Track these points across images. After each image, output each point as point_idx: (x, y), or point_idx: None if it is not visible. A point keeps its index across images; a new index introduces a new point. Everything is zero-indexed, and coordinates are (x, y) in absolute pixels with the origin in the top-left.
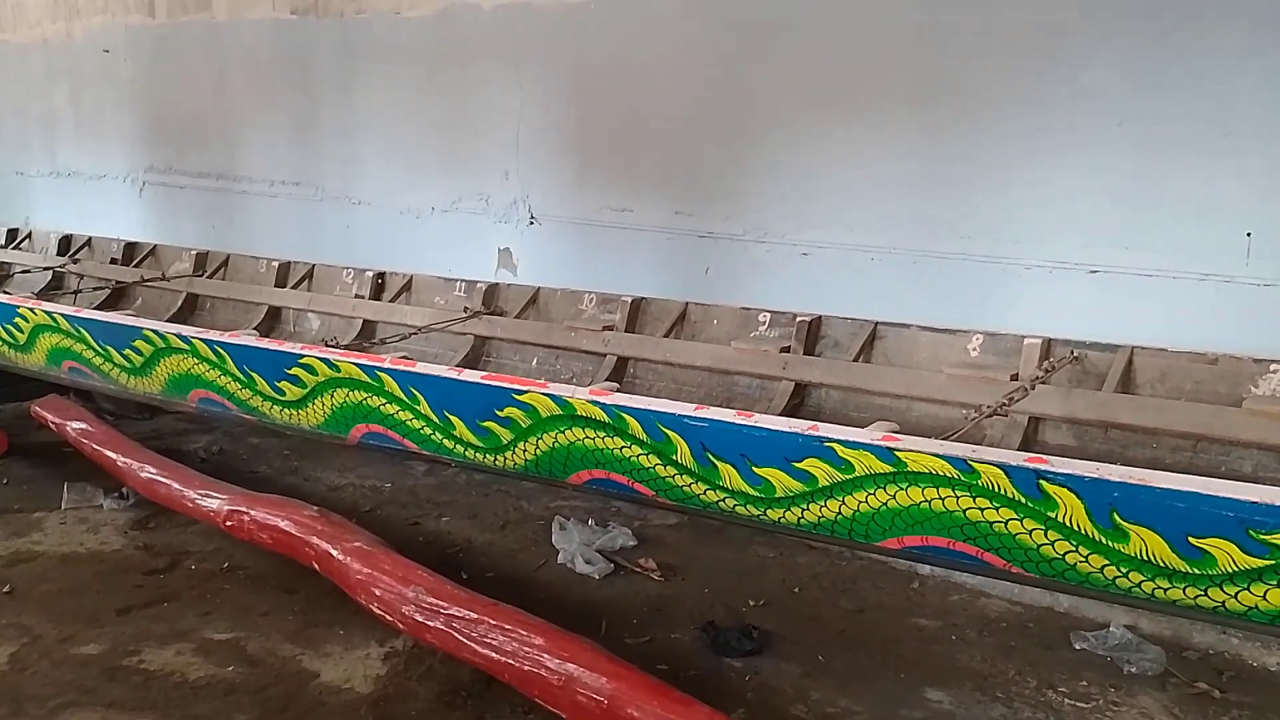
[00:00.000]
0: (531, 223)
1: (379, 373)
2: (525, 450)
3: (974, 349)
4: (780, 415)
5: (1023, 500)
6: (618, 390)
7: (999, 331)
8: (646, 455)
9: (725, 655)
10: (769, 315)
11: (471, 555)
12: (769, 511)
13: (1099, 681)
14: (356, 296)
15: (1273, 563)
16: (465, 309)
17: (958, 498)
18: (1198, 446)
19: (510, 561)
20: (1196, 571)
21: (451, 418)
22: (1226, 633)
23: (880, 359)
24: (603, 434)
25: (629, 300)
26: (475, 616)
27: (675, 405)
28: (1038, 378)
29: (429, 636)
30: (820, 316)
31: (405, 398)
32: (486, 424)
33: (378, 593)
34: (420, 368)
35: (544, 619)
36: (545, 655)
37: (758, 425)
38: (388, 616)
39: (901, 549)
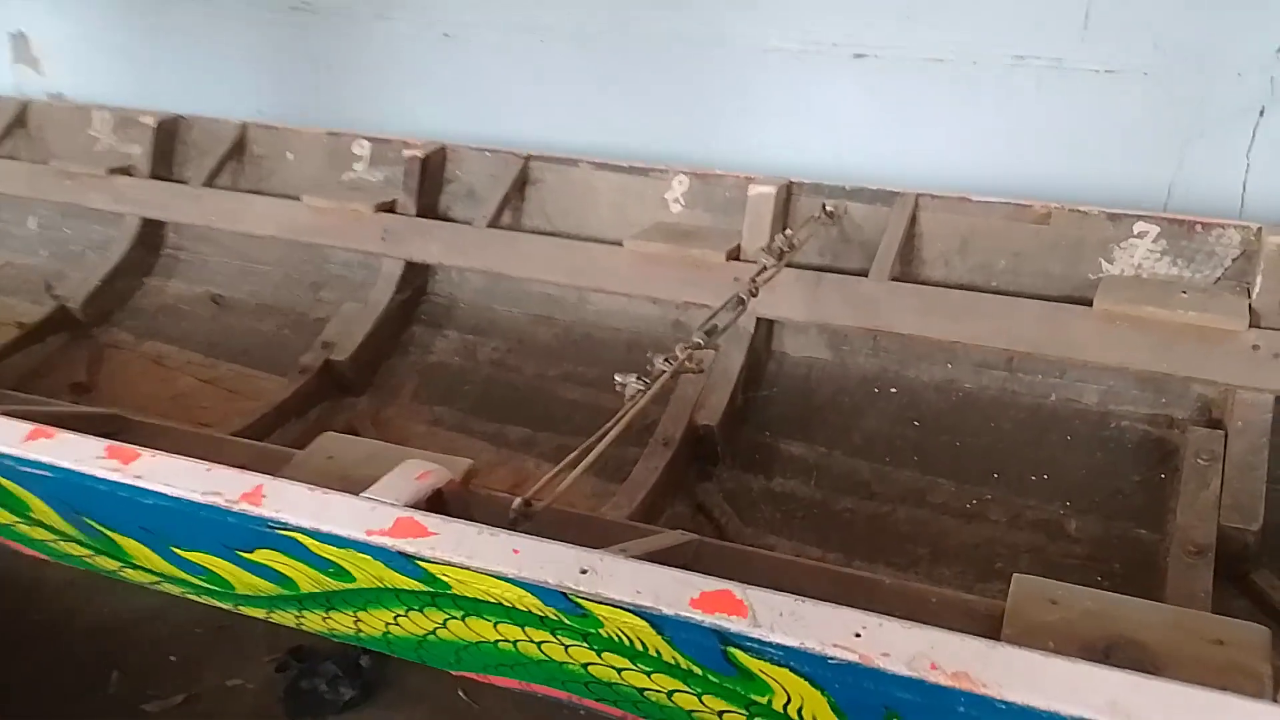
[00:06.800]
0: None
1: None
2: None
3: (677, 200)
4: (382, 311)
5: (701, 672)
6: None
7: (713, 171)
8: None
9: (307, 715)
10: (368, 145)
11: None
12: (248, 608)
13: None
14: None
15: None
16: None
17: (566, 647)
18: (1014, 363)
19: None
20: None
21: None
22: None
23: (537, 216)
24: None
25: (154, 123)
26: None
27: None
28: (762, 270)
29: None
30: (444, 147)
31: None
32: None
33: None
34: None
35: None
36: None
37: (135, 485)
38: None
39: (522, 691)
